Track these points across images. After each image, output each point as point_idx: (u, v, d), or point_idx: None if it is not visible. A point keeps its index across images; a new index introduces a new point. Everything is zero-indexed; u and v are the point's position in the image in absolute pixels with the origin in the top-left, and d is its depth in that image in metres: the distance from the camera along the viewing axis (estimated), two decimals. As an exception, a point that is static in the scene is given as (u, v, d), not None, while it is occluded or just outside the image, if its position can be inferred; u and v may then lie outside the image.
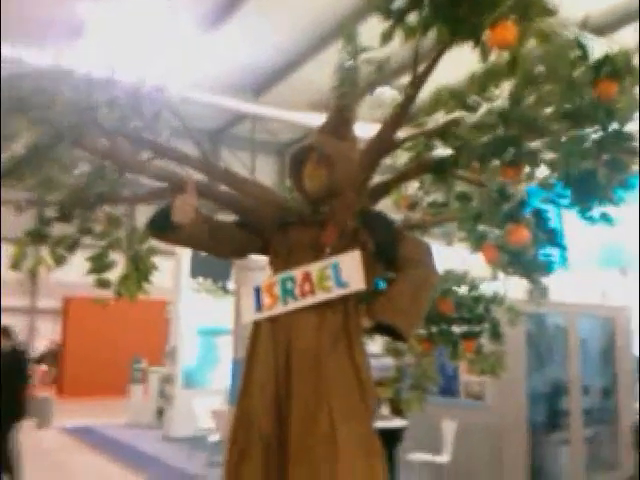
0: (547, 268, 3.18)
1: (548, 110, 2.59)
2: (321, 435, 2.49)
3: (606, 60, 2.53)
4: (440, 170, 2.93)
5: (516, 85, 2.60)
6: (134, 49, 9.75)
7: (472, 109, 2.72)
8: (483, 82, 2.66)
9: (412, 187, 3.55)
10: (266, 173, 17.60)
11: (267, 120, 16.15)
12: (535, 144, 2.70)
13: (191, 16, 11.81)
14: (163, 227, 2.72)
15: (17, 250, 3.14)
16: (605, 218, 2.84)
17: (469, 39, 2.38)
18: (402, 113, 2.80)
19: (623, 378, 7.93)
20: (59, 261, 3.21)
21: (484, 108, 2.69)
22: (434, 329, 4.07)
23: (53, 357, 21.64)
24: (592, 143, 2.63)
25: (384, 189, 3.04)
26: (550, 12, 2.32)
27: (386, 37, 2.46)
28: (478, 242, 3.03)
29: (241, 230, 2.94)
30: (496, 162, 2.76)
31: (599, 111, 2.55)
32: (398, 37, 2.50)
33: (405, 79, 2.80)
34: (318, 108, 13.03)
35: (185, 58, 11.69)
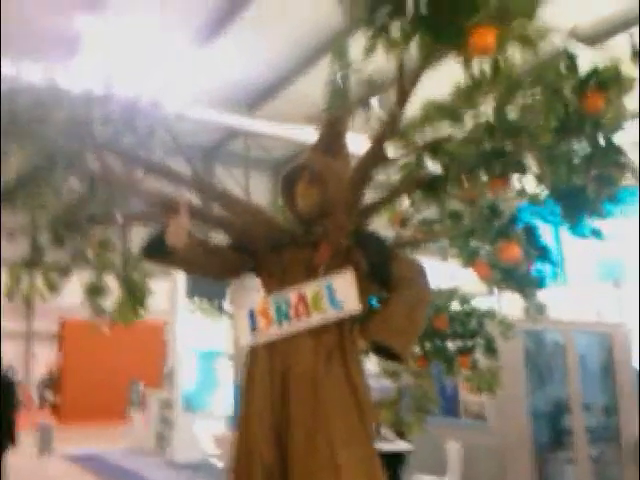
0: (539, 284, 3.20)
1: (534, 121, 2.58)
2: (322, 460, 2.48)
3: (594, 72, 2.53)
4: (432, 187, 2.93)
5: (500, 94, 2.60)
6: (129, 65, 9.78)
7: (459, 122, 2.73)
8: (468, 93, 2.66)
9: (403, 204, 3.56)
10: (260, 190, 17.59)
11: (261, 137, 16.17)
12: (522, 156, 2.69)
13: (185, 32, 11.85)
14: (157, 251, 2.72)
15: (10, 279, 3.12)
16: (595, 233, 2.85)
17: (451, 46, 2.35)
18: (389, 128, 2.80)
19: (624, 395, 7.91)
20: (52, 288, 3.19)
21: (471, 121, 2.71)
22: (428, 345, 4.06)
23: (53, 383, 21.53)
24: (581, 157, 2.64)
25: (376, 207, 3.04)
26: (530, 15, 2.29)
27: (369, 50, 2.46)
28: (470, 259, 3.04)
29: (234, 251, 2.93)
30: (485, 176, 2.75)
31: (586, 123, 2.56)
32: (382, 50, 2.49)
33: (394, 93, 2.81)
34: (312, 122, 13.02)
35: (179, 74, 11.72)
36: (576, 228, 2.84)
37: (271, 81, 14.71)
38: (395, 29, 2.35)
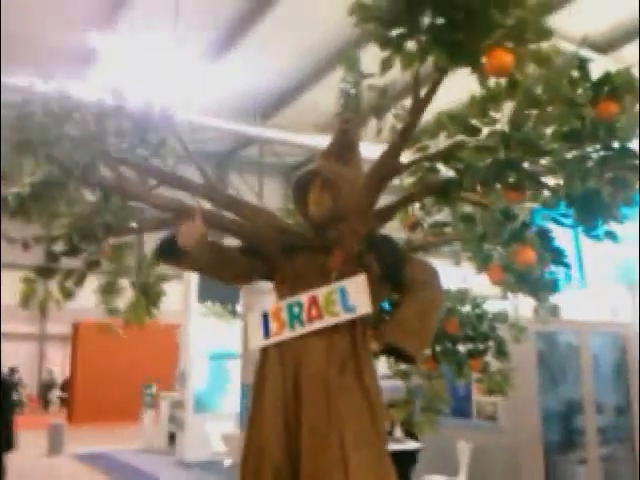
0: (553, 287, 3.20)
1: (549, 131, 2.60)
2: (333, 461, 2.48)
3: (606, 79, 2.54)
4: (444, 192, 2.94)
5: (516, 108, 2.61)
6: (143, 77, 9.88)
7: (473, 133, 2.74)
8: (483, 106, 2.66)
9: (414, 208, 3.57)
10: (273, 196, 17.67)
11: (274, 143, 16.26)
12: (537, 167, 2.70)
13: (198, 44, 11.97)
14: (170, 253, 2.80)
15: (25, 287, 3.16)
16: (611, 236, 2.83)
17: (467, 64, 2.38)
18: (404, 139, 2.80)
19: (637, 395, 7.87)
20: (68, 296, 3.23)
21: (485, 131, 2.71)
22: (438, 348, 4.06)
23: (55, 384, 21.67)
24: (595, 162, 2.63)
25: (389, 212, 3.05)
26: (547, 35, 2.31)
27: (385, 65, 2.49)
28: (483, 263, 3.04)
29: (246, 256, 2.96)
30: (498, 185, 2.75)
31: (600, 130, 2.55)
32: (398, 64, 2.53)
33: (408, 102, 2.84)
34: (324, 130, 13.13)
35: (193, 85, 11.83)
36: (591, 231, 2.82)
37: (283, 90, 14.82)
38: (411, 45, 2.38)
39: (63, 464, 11.79)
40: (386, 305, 3.15)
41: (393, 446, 5.96)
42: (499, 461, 6.87)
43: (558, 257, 3.01)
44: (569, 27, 10.33)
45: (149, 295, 3.56)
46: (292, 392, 2.61)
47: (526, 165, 2.68)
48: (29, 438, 14.60)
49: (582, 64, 2.57)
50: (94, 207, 3.02)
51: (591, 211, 2.75)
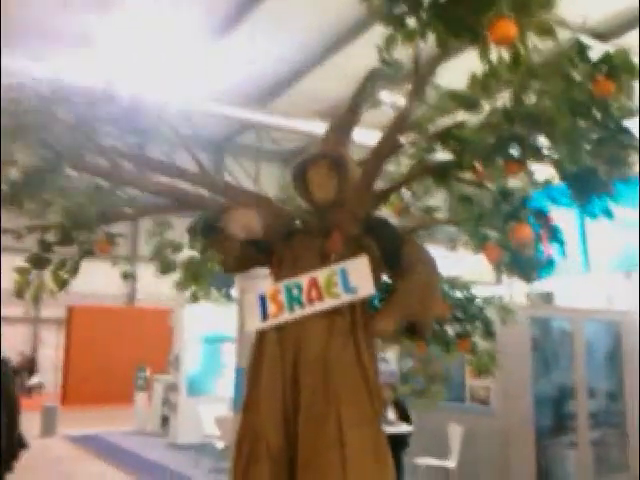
0: (548, 268, 3.21)
1: (551, 106, 2.60)
2: (330, 440, 2.49)
3: (605, 59, 2.55)
4: (442, 173, 2.94)
5: (518, 82, 2.61)
6: (140, 61, 9.84)
7: (475, 110, 2.74)
8: (485, 82, 2.66)
9: (403, 194, 3.58)
10: (270, 182, 17.65)
11: (271, 129, 16.21)
12: (538, 140, 2.71)
13: (197, 28, 11.90)
14: (208, 232, 2.90)
15: (20, 278, 3.13)
16: (606, 212, 2.85)
17: (468, 38, 2.39)
18: (405, 117, 2.81)
19: (630, 381, 7.91)
20: (62, 285, 3.20)
21: (487, 108, 2.71)
22: None
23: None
24: (590, 140, 2.65)
25: (385, 195, 3.06)
26: (549, 6, 2.32)
27: (389, 42, 2.48)
28: (481, 242, 3.04)
29: (247, 246, 2.97)
30: (500, 160, 2.76)
31: (595, 108, 2.57)
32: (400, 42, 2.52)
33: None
34: (321, 116, 13.10)
35: (191, 69, 11.78)
36: (587, 209, 2.84)
37: (281, 76, 14.77)
38: (412, 21, 2.38)
39: (56, 446, 11.81)
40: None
41: (386, 429, 5.96)
42: (491, 444, 6.90)
43: (554, 236, 3.03)
44: (569, 14, 10.32)
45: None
46: (291, 374, 2.60)
47: (527, 138, 2.68)
48: (22, 420, 14.64)
49: (581, 46, 2.58)
50: (87, 194, 3.00)
51: (587, 188, 2.76)
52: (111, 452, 11.11)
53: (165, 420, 12.82)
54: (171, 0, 10.72)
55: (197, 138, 17.52)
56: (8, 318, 19.80)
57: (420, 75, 2.72)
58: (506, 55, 2.54)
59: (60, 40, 10.92)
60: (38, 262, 3.11)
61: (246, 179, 18.46)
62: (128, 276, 3.50)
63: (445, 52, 2.57)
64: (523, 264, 3.14)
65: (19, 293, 3.12)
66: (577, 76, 2.55)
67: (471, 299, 4.24)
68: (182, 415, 11.56)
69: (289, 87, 15.23)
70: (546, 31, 2.40)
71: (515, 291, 9.49)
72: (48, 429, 12.58)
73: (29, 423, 11.15)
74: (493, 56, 2.54)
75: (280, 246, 2.84)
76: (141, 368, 14.73)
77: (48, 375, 22.19)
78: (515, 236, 2.87)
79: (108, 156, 2.92)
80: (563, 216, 3.07)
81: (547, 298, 9.40)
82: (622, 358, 7.99)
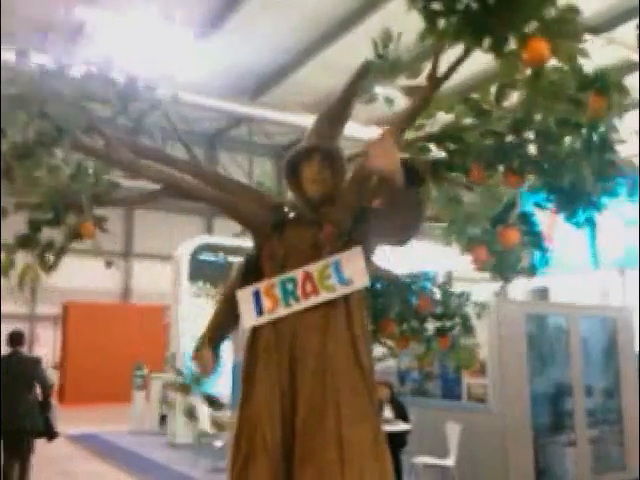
0: (529, 271, 3.26)
1: (554, 123, 2.65)
2: (328, 437, 2.47)
3: (596, 76, 2.58)
4: (433, 172, 2.94)
5: (533, 97, 2.63)
6: (132, 51, 9.76)
7: (484, 116, 2.75)
8: (501, 92, 2.68)
9: None
10: (263, 175, 17.58)
11: (264, 123, 16.17)
12: (534, 153, 2.74)
13: (189, 20, 11.83)
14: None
15: (5, 257, 3.07)
16: (589, 223, 2.91)
17: (494, 50, 2.40)
18: (413, 116, 2.80)
19: (626, 378, 7.94)
20: (49, 268, 3.13)
21: (496, 115, 2.73)
22: (405, 327, 4.13)
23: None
24: (577, 154, 2.69)
25: (364, 191, 3.02)
26: (580, 35, 2.36)
27: (422, 38, 2.50)
28: (468, 244, 3.08)
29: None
30: (500, 169, 2.79)
31: (584, 124, 2.62)
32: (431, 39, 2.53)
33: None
34: (314, 110, 13.06)
35: (183, 61, 11.71)
36: (571, 218, 2.90)
37: (274, 69, 14.71)
38: (445, 23, 2.40)
39: (54, 445, 11.78)
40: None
41: (384, 428, 5.98)
42: (489, 442, 6.92)
43: (537, 241, 3.11)
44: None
45: None
46: (287, 369, 2.59)
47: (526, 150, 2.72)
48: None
49: (577, 67, 2.61)
50: (78, 175, 2.96)
51: (572, 200, 2.82)
52: (109, 451, 11.11)
53: (163, 419, 12.82)
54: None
55: (190, 132, 17.46)
56: (2, 315, 19.77)
57: (434, 80, 2.71)
58: (527, 71, 2.56)
59: (53, 32, 10.85)
60: (26, 242, 3.04)
61: (239, 173, 18.41)
62: (110, 264, 3.43)
63: (467, 56, 2.58)
64: (505, 267, 3.20)
65: (4, 272, 3.05)
66: (579, 96, 2.59)
67: (449, 295, 4.28)
68: (180, 413, 11.55)
69: (281, 80, 15.19)
70: (570, 58, 2.44)
71: (510, 288, 9.51)
72: (46, 428, 12.55)
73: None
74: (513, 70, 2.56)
75: (271, 239, 2.81)
76: (139, 366, 14.72)
77: (54, 374, 22.22)
78: (503, 240, 2.92)
79: (106, 137, 2.88)
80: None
81: (542, 294, 9.45)
82: (618, 355, 8.02)
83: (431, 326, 4.19)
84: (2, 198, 2.93)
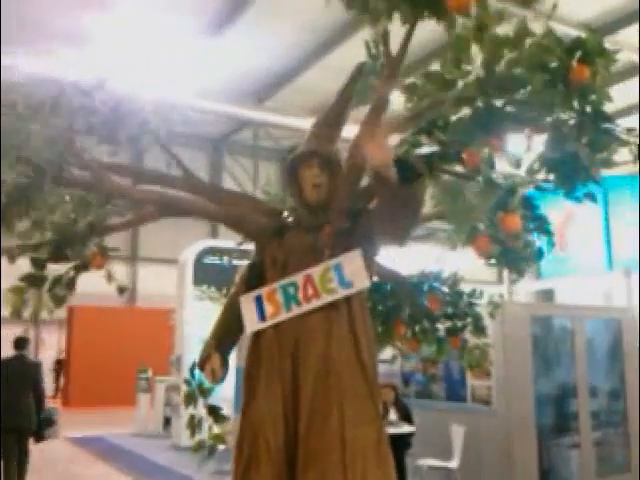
0: (536, 257, 3.24)
1: (522, 74, 2.60)
2: (332, 439, 2.47)
3: (577, 44, 2.56)
4: (428, 165, 2.94)
5: (487, 51, 2.62)
6: (135, 59, 9.79)
7: (450, 86, 2.73)
8: (455, 57, 2.67)
9: None
10: (268, 180, 17.59)
11: (269, 127, 16.18)
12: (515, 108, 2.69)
13: (195, 24, 11.86)
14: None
15: (15, 298, 3.07)
16: (591, 197, 2.89)
17: (432, 14, 2.43)
18: (383, 103, 2.80)
19: (631, 379, 7.91)
20: (59, 302, 3.16)
21: (461, 83, 2.71)
22: (417, 328, 4.12)
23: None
24: (570, 127, 2.67)
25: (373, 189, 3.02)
26: None
27: (356, 25, 2.52)
28: (470, 234, 3.08)
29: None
30: (482, 138, 2.75)
31: (573, 96, 2.59)
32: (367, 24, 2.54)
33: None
34: (319, 113, 13.05)
35: (187, 67, 11.75)
36: (571, 194, 2.88)
37: (279, 73, 14.73)
38: (379, 3, 2.41)
39: (58, 448, 11.80)
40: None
41: (388, 429, 5.97)
42: (493, 445, 6.90)
43: (541, 225, 3.08)
44: (564, 9, 10.29)
45: None
46: (290, 371, 2.59)
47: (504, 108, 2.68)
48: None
49: (552, 33, 2.60)
50: (74, 208, 2.97)
51: (570, 174, 2.80)
52: (114, 454, 11.11)
53: (168, 422, 12.81)
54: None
55: (195, 137, 17.48)
56: (7, 319, 19.82)
57: (392, 57, 2.72)
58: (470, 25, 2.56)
59: (54, 38, 10.89)
60: (33, 281, 3.06)
61: (244, 177, 18.44)
62: (124, 290, 3.46)
63: (412, 31, 2.58)
64: (513, 257, 3.16)
65: (16, 313, 3.08)
66: (550, 62, 2.57)
67: (460, 294, 4.27)
68: (184, 416, 11.53)
69: (286, 84, 15.21)
70: None
71: (516, 289, 9.51)
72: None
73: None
74: (458, 28, 2.57)
75: (271, 244, 2.81)
76: (143, 369, 14.72)
77: (49, 376, 22.21)
78: (504, 226, 2.90)
79: (90, 168, 2.88)
80: (587, 214, 3.11)
81: (547, 296, 9.42)
82: (623, 356, 7.99)
83: (442, 326, 4.19)
84: (6, 241, 2.96)
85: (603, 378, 7.91)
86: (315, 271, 2.65)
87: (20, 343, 7.21)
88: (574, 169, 2.77)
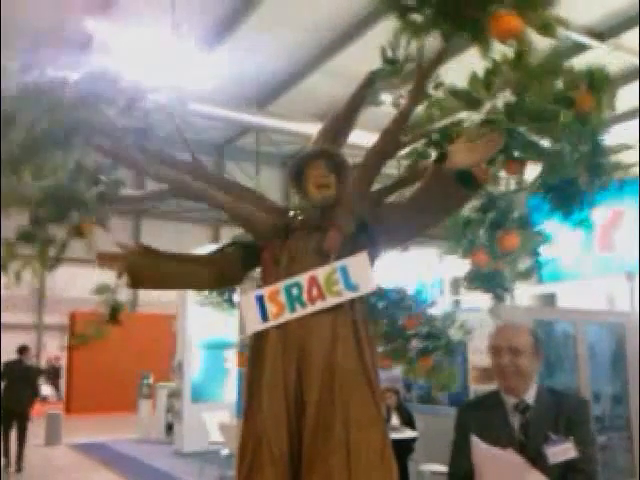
0: (527, 274, 3.26)
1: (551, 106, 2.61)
2: (336, 443, 2.46)
3: (585, 74, 2.58)
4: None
5: (521, 79, 2.60)
6: (139, 61, 9.79)
7: (476, 106, 2.72)
8: (487, 79, 2.66)
9: None
10: (270, 184, 17.64)
11: (271, 132, 16.20)
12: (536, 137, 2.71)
13: (195, 31, 11.88)
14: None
15: (5, 251, 3.00)
16: (585, 224, 2.91)
17: (471, 34, 2.43)
18: (406, 115, 2.80)
19: (633, 384, 7.87)
20: (50, 266, 3.08)
21: (488, 105, 2.70)
22: (389, 347, 4.14)
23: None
24: (570, 152, 2.66)
25: (379, 196, 3.00)
26: (551, 3, 2.36)
27: (397, 36, 2.51)
28: (467, 249, 3.09)
29: (235, 251, 2.97)
30: (500, 160, 2.77)
31: (575, 122, 2.59)
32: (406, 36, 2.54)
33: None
34: (321, 119, 13.08)
35: (190, 72, 11.75)
36: (566, 218, 2.90)
37: (281, 78, 14.76)
38: (419, 17, 2.40)
39: (61, 454, 11.80)
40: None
41: (390, 435, 5.96)
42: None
43: (540, 242, 3.10)
44: (567, 13, 10.30)
45: None
46: (295, 374, 2.56)
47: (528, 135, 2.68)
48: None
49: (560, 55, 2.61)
50: (79, 172, 2.93)
51: (567, 199, 2.81)
52: (116, 460, 11.10)
53: (170, 427, 12.81)
54: (169, 3, 10.70)
55: (197, 142, 17.50)
56: (11, 325, 19.82)
57: (422, 71, 2.71)
58: (509, 52, 2.55)
59: (57, 43, 10.91)
60: (27, 237, 3.01)
61: (247, 181, 18.41)
62: (118, 310, 3.46)
63: (448, 48, 2.59)
64: (494, 280, 3.19)
65: (4, 265, 3.02)
66: (566, 87, 2.59)
67: (434, 318, 4.29)
68: (187, 422, 11.53)
69: (288, 89, 15.23)
70: (547, 28, 2.41)
71: (518, 294, 9.51)
72: (53, 437, 12.55)
73: (33, 431, 11.20)
74: (496, 54, 2.56)
75: (274, 244, 2.78)
76: (145, 375, 14.71)
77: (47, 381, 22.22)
78: (502, 245, 2.94)
79: (115, 137, 2.87)
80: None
81: (549, 300, 9.42)
82: (626, 361, 7.96)
83: (414, 346, 4.20)
84: (5, 194, 2.90)
85: (606, 383, 7.87)
86: (320, 272, 2.63)
87: (22, 350, 9.91)
88: (572, 194, 2.78)
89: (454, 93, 2.77)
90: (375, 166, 2.90)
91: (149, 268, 2.92)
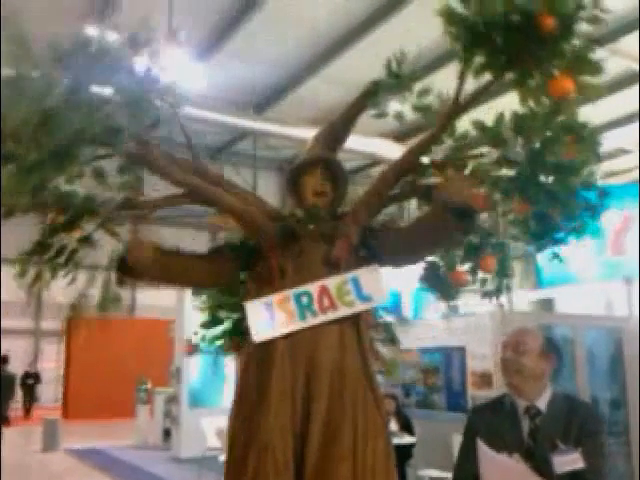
0: (491, 294, 3.34)
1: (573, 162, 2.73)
2: (342, 452, 2.45)
3: (569, 126, 2.65)
4: (429, 196, 2.94)
5: (553, 132, 2.68)
6: (139, 66, 9.79)
7: (501, 145, 2.77)
8: (521, 123, 2.71)
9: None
10: (267, 189, 17.66)
11: (268, 137, 16.22)
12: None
13: (193, 36, 11.91)
14: (125, 269, 2.73)
15: (20, 267, 3.00)
16: (557, 257, 3.02)
17: (519, 83, 2.53)
18: (433, 141, 2.80)
19: (632, 389, 7.87)
20: (56, 272, 2.97)
21: (516, 146, 2.76)
22: None
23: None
24: (546, 192, 2.73)
25: (378, 209, 2.96)
26: (600, 71, 2.45)
27: (461, 76, 2.60)
28: (450, 264, 3.19)
29: (231, 251, 2.92)
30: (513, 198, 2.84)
31: (562, 167, 2.68)
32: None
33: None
34: (319, 124, 13.09)
35: (187, 76, 11.75)
36: (541, 249, 3.02)
37: (278, 83, 14.80)
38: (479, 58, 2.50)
39: (58, 460, 11.76)
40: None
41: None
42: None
43: (504, 269, 3.24)
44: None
45: None
46: (303, 382, 2.54)
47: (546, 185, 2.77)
48: (24, 434, 14.60)
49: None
50: (98, 178, 2.84)
51: (540, 233, 2.89)
52: (114, 466, 11.06)
53: (167, 433, 12.77)
54: (167, 8, 10.74)
55: (194, 146, 17.49)
56: (8, 330, 19.78)
57: (461, 105, 2.70)
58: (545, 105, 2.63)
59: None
60: (40, 248, 2.91)
61: (244, 186, 18.41)
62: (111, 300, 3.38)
63: (491, 85, 2.62)
64: (440, 284, 3.26)
65: (22, 275, 2.98)
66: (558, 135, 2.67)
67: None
68: (185, 428, 11.50)
69: (285, 95, 15.27)
70: (591, 93, 2.51)
71: (516, 299, 9.51)
72: (50, 443, 12.51)
73: (31, 437, 11.19)
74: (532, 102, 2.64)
75: (278, 250, 2.73)
76: (142, 381, 14.67)
77: (49, 388, 22.16)
78: (483, 266, 3.11)
79: (142, 141, 2.79)
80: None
81: (548, 305, 9.42)
82: (624, 365, 7.96)
83: None
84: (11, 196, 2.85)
85: (604, 387, 7.87)
86: (330, 282, 2.62)
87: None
88: (545, 229, 2.86)
89: (481, 127, 2.80)
90: (390, 183, 2.85)
91: (154, 260, 2.78)
